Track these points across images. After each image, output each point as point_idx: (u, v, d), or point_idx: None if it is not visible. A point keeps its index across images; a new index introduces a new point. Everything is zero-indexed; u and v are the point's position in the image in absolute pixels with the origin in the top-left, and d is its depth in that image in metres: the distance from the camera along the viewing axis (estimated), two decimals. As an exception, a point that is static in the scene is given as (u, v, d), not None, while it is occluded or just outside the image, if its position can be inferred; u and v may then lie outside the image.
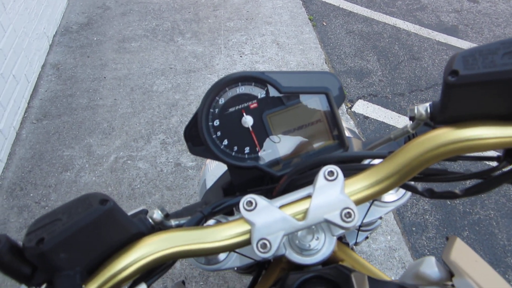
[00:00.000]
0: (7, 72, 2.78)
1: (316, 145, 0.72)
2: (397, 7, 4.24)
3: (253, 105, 0.71)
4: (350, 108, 3.06)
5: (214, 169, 1.17)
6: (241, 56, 3.49)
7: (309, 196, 0.54)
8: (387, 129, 2.86)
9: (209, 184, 1.09)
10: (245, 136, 0.71)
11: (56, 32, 3.78)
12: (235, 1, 4.25)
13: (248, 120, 0.70)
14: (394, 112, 2.99)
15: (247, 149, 0.72)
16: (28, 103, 3.05)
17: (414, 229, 2.25)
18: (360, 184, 0.54)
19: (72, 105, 3.05)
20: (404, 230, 2.24)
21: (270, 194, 0.69)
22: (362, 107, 3.05)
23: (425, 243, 2.18)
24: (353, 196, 0.54)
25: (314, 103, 0.71)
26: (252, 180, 0.75)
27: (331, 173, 0.54)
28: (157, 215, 0.59)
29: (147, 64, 3.41)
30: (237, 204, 0.68)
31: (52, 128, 2.88)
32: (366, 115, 2.98)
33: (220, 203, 0.67)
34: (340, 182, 0.53)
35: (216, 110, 0.70)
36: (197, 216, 0.63)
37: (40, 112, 3.00)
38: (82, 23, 3.94)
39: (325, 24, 3.99)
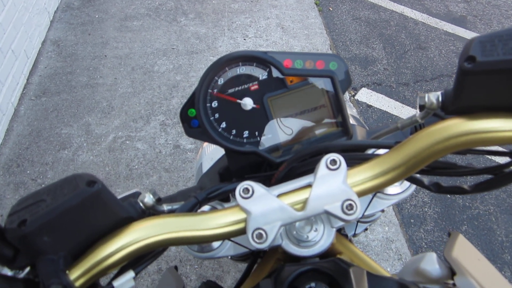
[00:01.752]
0: (5, 47, 2.73)
1: (319, 131, 0.69)
2: (406, -6, 4.16)
3: (254, 86, 0.67)
4: (354, 96, 3.02)
5: (211, 153, 1.14)
6: (244, 39, 3.43)
7: (309, 186, 0.51)
8: (390, 119, 2.82)
9: (205, 168, 1.07)
10: (244, 120, 0.68)
11: (57, 8, 3.71)
12: (240, -18, 4.17)
13: (248, 103, 0.67)
14: (398, 102, 2.95)
15: (246, 133, 0.69)
16: (27, 80, 3.01)
17: (412, 221, 2.23)
18: (363, 175, 0.51)
19: (72, 82, 3.01)
20: (402, 222, 2.22)
21: (269, 182, 0.67)
22: (365, 95, 3.01)
23: (422, 235, 2.16)
24: (355, 187, 0.51)
25: (318, 87, 0.68)
26: (250, 166, 0.72)
27: (333, 162, 0.51)
28: (148, 199, 0.57)
29: (149, 43, 3.36)
30: (233, 190, 0.65)
31: (50, 105, 2.84)
32: (370, 103, 2.94)
33: (216, 189, 0.64)
34: (342, 172, 0.50)
35: (215, 90, 0.67)
36: (190, 202, 0.61)
37: (39, 89, 2.96)
38: (84, 0, 3.87)
39: (331, 9, 3.92)
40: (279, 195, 0.52)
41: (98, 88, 2.96)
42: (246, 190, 0.51)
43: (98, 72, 3.10)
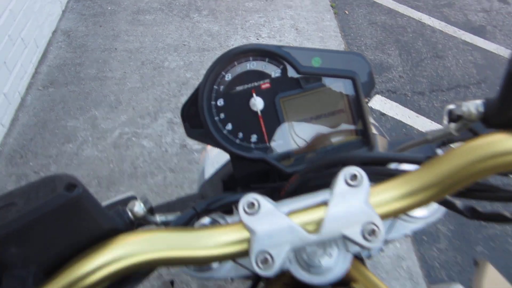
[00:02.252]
0: (15, 34, 2.68)
1: (335, 139, 0.62)
2: (424, 1, 4.07)
3: (265, 85, 0.60)
4: (367, 103, 2.94)
5: (215, 157, 1.07)
6: (257, 39, 3.36)
7: (324, 204, 0.44)
8: (404, 129, 2.75)
9: (208, 174, 0.99)
10: (253, 122, 0.61)
11: (70, -2, 3.66)
12: (256, -19, 4.10)
13: (257, 103, 0.60)
14: (412, 111, 2.87)
15: (254, 137, 0.62)
16: (36, 69, 2.96)
17: (425, 238, 2.15)
18: (388, 194, 0.44)
19: (80, 74, 2.95)
20: (414, 239, 2.14)
21: (277, 194, 0.60)
22: (379, 103, 2.93)
23: (435, 254, 2.08)
24: (379, 208, 0.44)
25: (337, 89, 0.61)
26: (257, 174, 0.65)
27: (353, 177, 0.44)
28: (138, 208, 0.50)
29: (160, 38, 3.30)
30: (237, 202, 0.59)
31: (58, 96, 2.79)
32: (383, 111, 2.86)
33: (217, 200, 0.58)
34: (364, 190, 0.43)
35: (221, 87, 0.60)
36: (188, 213, 0.54)
37: (47, 79, 2.91)
38: (97, -9, 3.82)
39: (347, 12, 3.85)
40: (289, 213, 0.45)
41: (107, 82, 2.91)
42: (251, 204, 0.45)
43: (108, 65, 3.04)
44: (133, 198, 0.68)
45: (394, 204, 0.44)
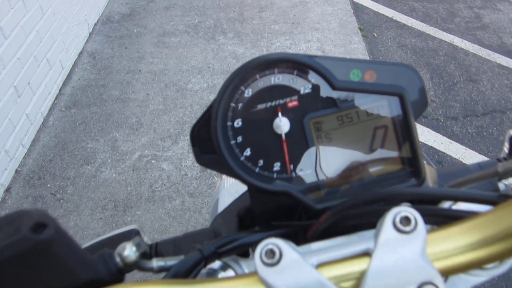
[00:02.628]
0: (41, 55, 2.69)
1: (375, 169, 0.50)
2: (456, 23, 3.94)
3: (293, 103, 0.49)
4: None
5: (231, 187, 0.95)
6: (283, 61, 3.30)
7: (366, 254, 0.35)
8: (436, 155, 2.59)
9: (221, 206, 0.88)
10: (276, 147, 0.50)
11: (97, 21, 3.70)
12: (282, 3, 4.06)
13: (283, 124, 0.49)
14: (445, 137, 2.71)
15: (277, 166, 0.51)
16: (60, 90, 2.97)
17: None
18: (453, 243, 0.34)
19: (103, 96, 2.94)
20: None
21: (303, 235, 0.49)
22: (409, 128, 2.79)
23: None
24: (439, 262, 0.34)
25: (380, 108, 0.50)
26: (279, 209, 0.54)
27: (406, 220, 0.34)
28: (129, 252, 0.41)
29: (184, 60, 3.27)
30: (254, 244, 0.48)
31: (79, 117, 2.77)
32: (413, 137, 2.72)
33: (228, 241, 0.48)
34: (420, 237, 0.33)
35: (239, 105, 0.49)
36: (192, 258, 0.44)
37: (70, 100, 2.90)
38: (125, 14, 3.85)
39: (376, 35, 3.75)
40: (319, 265, 0.35)
41: (129, 103, 2.88)
42: (270, 252, 0.35)
43: (131, 86, 3.02)
44: (134, 232, 0.59)
45: (460, 258, 0.34)
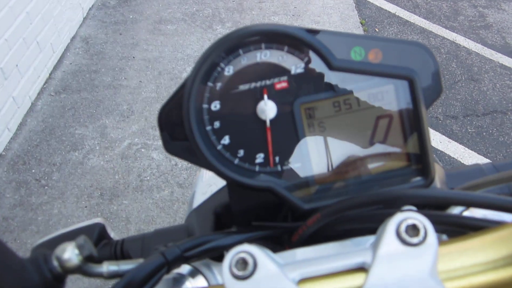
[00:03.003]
0: (30, 38, 2.60)
1: (375, 165, 0.43)
2: (459, 22, 3.86)
3: (281, 84, 0.41)
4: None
5: (210, 179, 0.86)
6: (281, 53, 3.22)
7: (362, 269, 0.28)
8: (434, 154, 2.52)
9: (197, 200, 0.79)
10: (260, 135, 0.42)
11: (92, 6, 3.61)
12: (283, -5, 3.98)
13: (268, 109, 0.41)
14: (444, 136, 2.64)
15: (260, 157, 0.42)
16: (50, 74, 2.88)
17: None
18: (469, 260, 0.28)
19: (95, 81, 2.85)
20: None
21: (288, 238, 0.42)
22: (408, 125, 2.72)
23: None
24: (451, 282, 0.27)
25: (385, 94, 0.41)
26: (261, 208, 0.46)
27: (413, 229, 0.27)
28: (70, 255, 0.33)
29: (180, 49, 3.19)
30: (226, 248, 0.41)
31: (69, 103, 2.68)
32: (412, 134, 2.65)
33: (198, 243, 0.40)
34: (430, 252, 0.26)
35: (218, 84, 0.41)
36: (153, 262, 0.37)
37: (60, 85, 2.81)
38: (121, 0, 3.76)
39: (377, 30, 3.67)
40: (301, 281, 0.28)
41: (121, 90, 2.79)
42: (243, 262, 0.28)
43: (124, 73, 2.93)
44: (99, 225, 0.51)
45: (480, 277, 0.27)
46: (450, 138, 2.64)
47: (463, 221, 0.34)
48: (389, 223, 0.28)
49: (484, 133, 2.71)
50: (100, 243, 0.52)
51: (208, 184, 0.82)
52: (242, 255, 0.28)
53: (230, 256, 0.28)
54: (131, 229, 2.03)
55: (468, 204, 0.35)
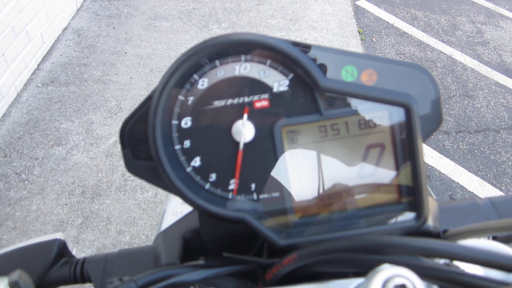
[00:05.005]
0: (19, 26, 2.53)
1: (363, 197, 0.38)
2: (457, 37, 3.85)
3: (262, 103, 0.36)
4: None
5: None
6: (276, 58, 3.17)
7: None
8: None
9: (167, 222, 0.73)
10: (233, 158, 0.38)
11: (87, -3, 3.54)
12: (282, -1, 3.94)
13: (245, 130, 0.36)
14: (435, 151, 2.62)
15: (233, 183, 0.38)
16: (38, 65, 2.80)
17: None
18: None
19: (84, 75, 2.78)
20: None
21: (262, 275, 0.37)
22: (400, 138, 2.69)
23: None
24: None
25: (378, 120, 0.37)
26: (234, 238, 0.41)
27: None
28: None
29: (174, 47, 3.13)
30: (192, 284, 0.36)
31: (56, 95, 2.61)
32: (403, 148, 2.62)
33: (158, 278, 0.35)
34: None
35: (190, 99, 0.36)
36: None
37: (48, 77, 2.74)
38: (117, -7, 3.69)
39: (374, 40, 3.64)
40: None
41: (110, 86, 2.73)
42: None
43: (114, 68, 2.87)
44: (59, 242, 0.45)
45: None
46: (441, 153, 2.61)
47: (462, 278, 0.30)
48: (375, 279, 0.24)
49: (476, 151, 2.68)
50: (59, 261, 0.47)
51: (180, 203, 0.76)
52: None
53: None
54: (112, 230, 1.96)
55: (467, 261, 0.31)
